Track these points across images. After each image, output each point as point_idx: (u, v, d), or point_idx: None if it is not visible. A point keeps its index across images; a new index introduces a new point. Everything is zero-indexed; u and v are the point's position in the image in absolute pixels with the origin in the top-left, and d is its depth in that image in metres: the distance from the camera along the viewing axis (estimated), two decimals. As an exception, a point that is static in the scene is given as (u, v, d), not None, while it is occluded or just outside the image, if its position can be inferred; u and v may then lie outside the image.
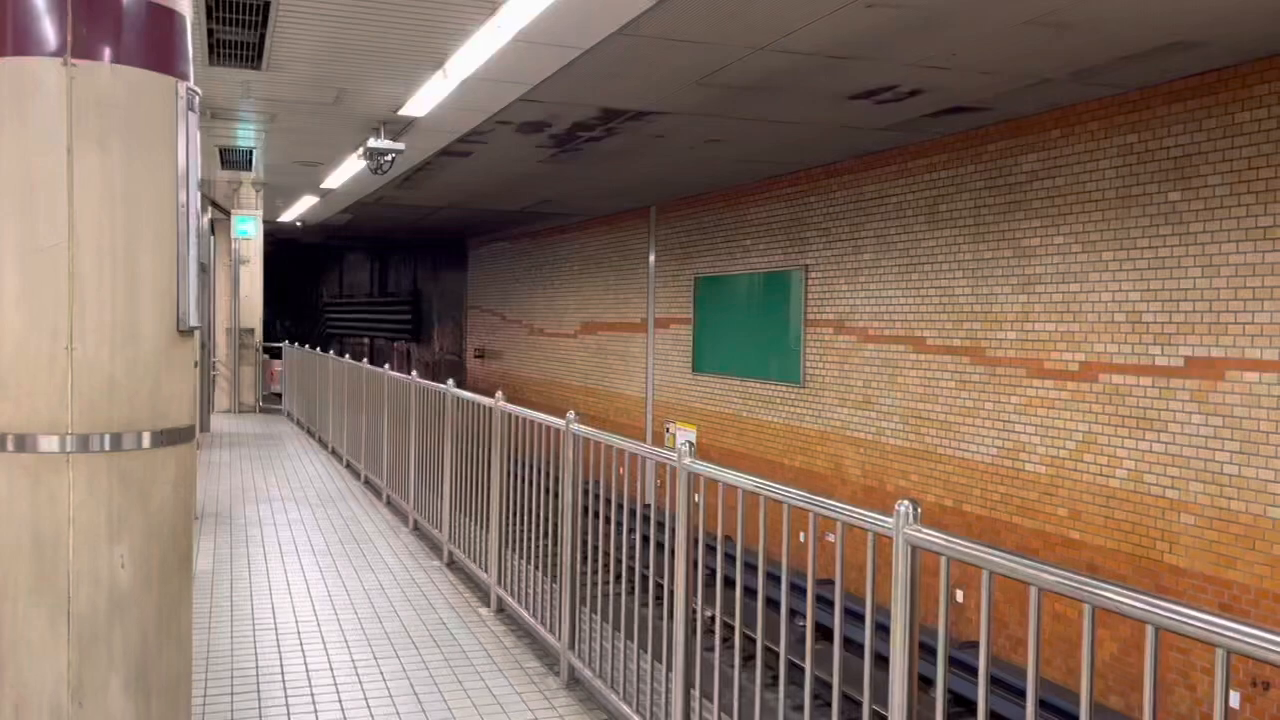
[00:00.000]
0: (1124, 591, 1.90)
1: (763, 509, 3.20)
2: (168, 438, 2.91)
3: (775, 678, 6.30)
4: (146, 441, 2.85)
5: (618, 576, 4.43)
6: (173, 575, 2.95)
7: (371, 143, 9.90)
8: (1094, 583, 1.97)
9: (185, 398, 3.01)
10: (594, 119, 9.67)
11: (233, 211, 16.82)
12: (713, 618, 3.66)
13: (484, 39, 6.71)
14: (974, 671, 6.48)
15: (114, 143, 2.79)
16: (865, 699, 2.73)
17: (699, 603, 3.65)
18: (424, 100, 8.61)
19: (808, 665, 3.05)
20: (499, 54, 6.97)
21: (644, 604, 4.10)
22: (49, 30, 2.72)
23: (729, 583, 10.84)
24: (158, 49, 2.87)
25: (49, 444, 2.73)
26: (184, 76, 2.94)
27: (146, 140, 2.85)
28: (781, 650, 3.11)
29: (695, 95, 8.46)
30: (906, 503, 2.48)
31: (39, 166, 2.73)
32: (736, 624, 3.47)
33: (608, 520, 4.58)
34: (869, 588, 2.70)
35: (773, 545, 3.21)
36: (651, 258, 16.49)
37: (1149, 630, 1.85)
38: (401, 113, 9.16)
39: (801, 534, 8.36)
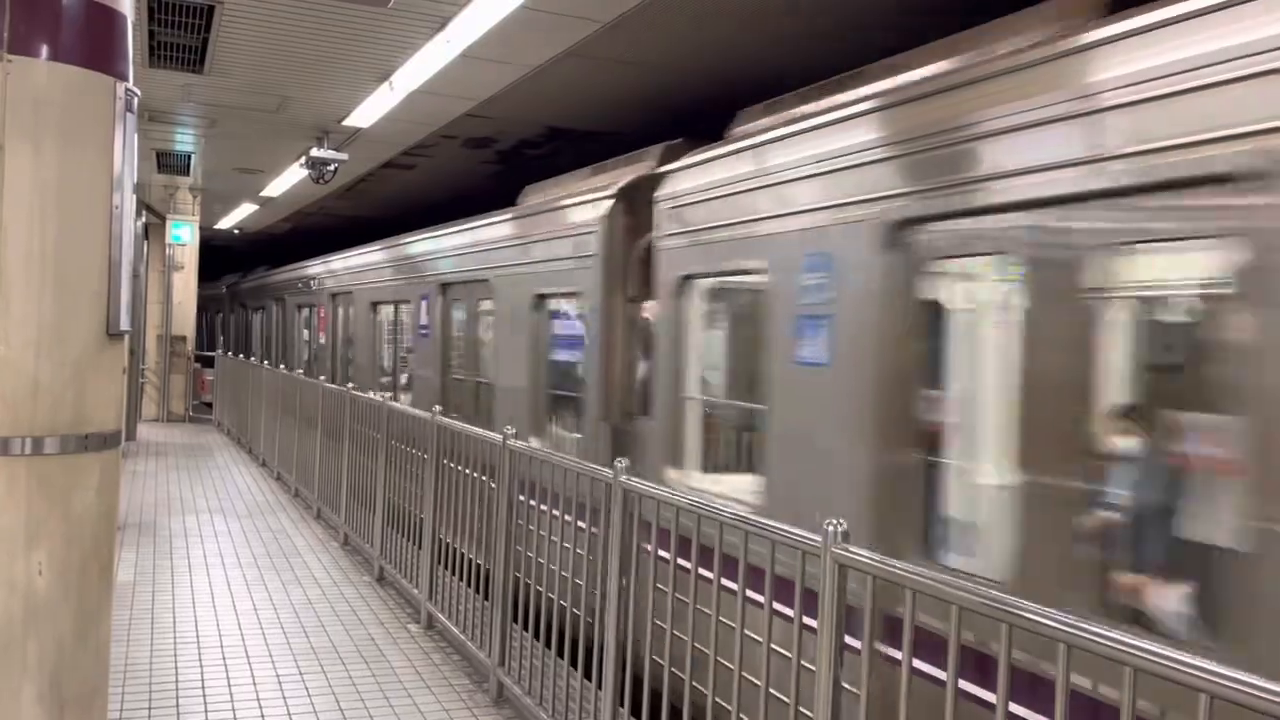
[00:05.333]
0: (1041, 611, 1.99)
1: (696, 527, 3.23)
2: (92, 443, 2.85)
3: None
4: (70, 446, 2.79)
5: (551, 593, 4.43)
6: (92, 584, 2.88)
7: (314, 152, 9.80)
8: (1012, 602, 2.06)
9: (112, 402, 2.96)
10: (540, 136, 9.69)
11: (168, 217, 16.50)
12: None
13: (431, 53, 6.70)
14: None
15: (48, 141, 2.74)
16: (791, 714, 2.77)
17: (630, 621, 3.66)
18: (369, 112, 8.55)
19: (736, 681, 3.08)
20: (446, 69, 6.96)
21: (576, 621, 4.10)
22: (-16, 24, 2.67)
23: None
24: (97, 48, 2.83)
25: (-33, 446, 2.66)
26: (123, 77, 2.90)
27: (81, 140, 2.81)
28: (710, 668, 3.14)
29: (643, 118, 8.52)
30: (835, 522, 2.54)
31: (-32, 162, 2.67)
32: (667, 642, 3.49)
33: (542, 536, 4.57)
34: (797, 604, 2.74)
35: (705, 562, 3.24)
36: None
37: (1061, 649, 1.93)
38: (346, 123, 9.08)
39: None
